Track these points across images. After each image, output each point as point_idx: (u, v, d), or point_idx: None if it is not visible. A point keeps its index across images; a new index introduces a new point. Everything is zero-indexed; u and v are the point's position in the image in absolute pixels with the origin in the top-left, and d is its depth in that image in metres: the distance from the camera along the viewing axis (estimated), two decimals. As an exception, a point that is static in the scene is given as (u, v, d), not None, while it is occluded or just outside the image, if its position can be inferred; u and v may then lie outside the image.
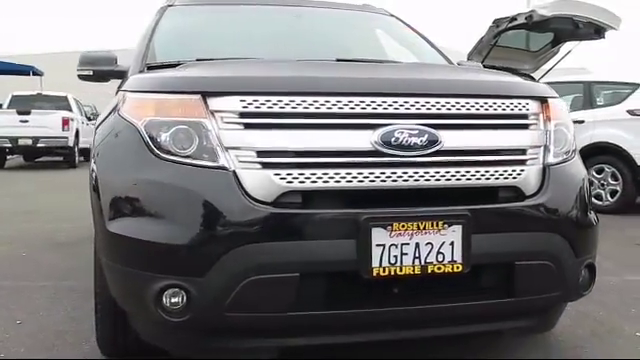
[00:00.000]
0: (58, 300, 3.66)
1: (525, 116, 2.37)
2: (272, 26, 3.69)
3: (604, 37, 7.03)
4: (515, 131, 2.34)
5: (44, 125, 14.30)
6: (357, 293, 2.13)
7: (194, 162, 2.13)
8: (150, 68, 3.08)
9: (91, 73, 3.36)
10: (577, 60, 7.90)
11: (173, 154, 2.16)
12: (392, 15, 4.10)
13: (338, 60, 3.07)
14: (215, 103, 2.15)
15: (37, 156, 16.22)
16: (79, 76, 3.47)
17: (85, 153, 16.93)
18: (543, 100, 2.44)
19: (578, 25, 6.60)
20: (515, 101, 2.35)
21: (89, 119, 17.96)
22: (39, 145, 14.51)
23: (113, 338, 2.56)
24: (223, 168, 2.10)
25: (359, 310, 2.13)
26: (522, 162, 2.31)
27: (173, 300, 2.09)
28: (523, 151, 2.32)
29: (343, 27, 3.87)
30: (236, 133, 2.12)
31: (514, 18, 6.64)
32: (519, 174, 2.28)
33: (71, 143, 14.85)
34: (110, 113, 2.63)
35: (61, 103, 15.59)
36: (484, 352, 2.81)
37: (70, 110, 15.45)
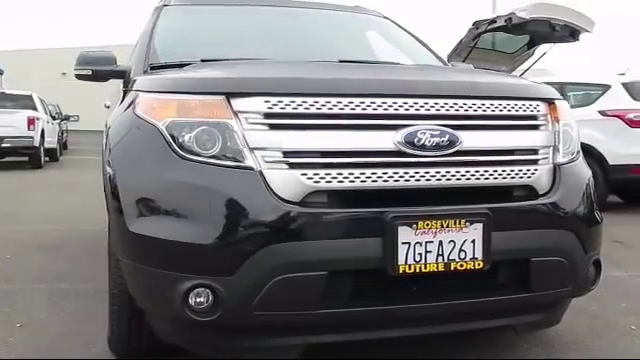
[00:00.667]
0: (55, 303, 3.61)
1: (536, 117, 2.45)
2: (270, 27, 3.71)
3: (578, 39, 7.25)
4: (527, 132, 2.42)
5: (9, 124, 13.90)
6: (382, 290, 2.18)
7: (220, 162, 2.15)
8: (153, 68, 3.09)
9: (90, 73, 3.33)
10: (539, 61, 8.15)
11: (196, 154, 2.18)
12: (386, 17, 4.16)
13: (341, 61, 3.13)
14: (239, 104, 2.17)
15: (1, 156, 15.84)
16: (77, 76, 3.44)
17: (50, 153, 16.64)
18: (550, 102, 2.52)
19: (555, 28, 6.79)
20: (527, 102, 2.43)
21: (54, 118, 17.64)
22: (4, 145, 14.09)
23: (128, 338, 2.55)
24: (250, 168, 2.12)
25: (384, 307, 2.17)
26: (535, 162, 2.38)
27: (199, 299, 2.10)
28: (535, 151, 2.40)
29: (340, 28, 3.91)
30: (261, 134, 2.15)
31: (493, 20, 6.80)
32: (533, 173, 2.35)
33: (37, 143, 14.49)
34: (123, 113, 2.62)
35: (26, 102, 15.21)
36: (485, 349, 2.87)
37: (35, 109, 15.10)
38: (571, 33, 7.03)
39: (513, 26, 6.63)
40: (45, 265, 4.62)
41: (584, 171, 2.57)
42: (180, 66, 3.04)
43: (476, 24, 7.02)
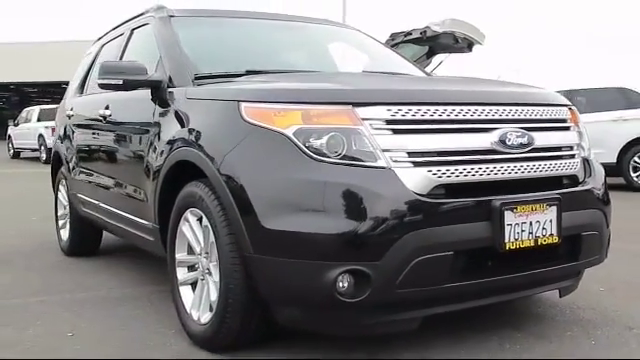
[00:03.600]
0: (77, 312, 3.60)
1: (566, 120, 3.02)
2: (279, 40, 4.03)
3: (472, 51, 8.18)
4: (566, 132, 2.98)
5: None
6: (489, 264, 2.63)
7: (355, 163, 2.47)
8: (198, 79, 3.29)
9: (121, 82, 3.42)
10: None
11: (327, 156, 2.47)
12: (358, 30, 4.60)
13: (364, 72, 3.53)
14: (364, 112, 2.51)
15: None
16: (102, 85, 3.51)
17: None
18: (570, 107, 3.12)
19: (457, 40, 7.64)
20: (560, 108, 3.00)
21: None
22: None
23: (237, 331, 2.73)
24: (384, 167, 2.46)
25: (490, 278, 2.62)
26: (573, 156, 2.96)
27: (342, 284, 2.41)
28: (572, 147, 2.97)
29: (332, 41, 4.29)
30: (386, 137, 2.50)
31: (409, 33, 7.50)
32: (575, 165, 2.93)
33: None
34: (216, 122, 2.81)
35: None
36: (504, 314, 3.41)
37: None
38: (468, 45, 7.94)
39: (427, 38, 7.40)
40: (17, 279, 4.50)
41: (598, 163, 3.19)
42: (227, 76, 3.28)
43: (393, 36, 7.70)
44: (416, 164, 2.50)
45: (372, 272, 2.39)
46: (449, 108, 2.60)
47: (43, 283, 4.38)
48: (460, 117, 2.61)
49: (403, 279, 2.41)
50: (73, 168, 4.93)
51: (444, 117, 2.59)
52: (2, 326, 3.39)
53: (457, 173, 2.54)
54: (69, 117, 5.12)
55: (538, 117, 2.83)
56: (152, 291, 4.04)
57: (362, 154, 2.48)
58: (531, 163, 2.73)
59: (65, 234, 5.35)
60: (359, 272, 2.40)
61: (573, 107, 3.15)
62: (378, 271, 2.39)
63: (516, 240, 2.59)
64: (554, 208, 2.69)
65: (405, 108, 2.54)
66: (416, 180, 2.47)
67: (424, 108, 2.56)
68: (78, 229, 5.09)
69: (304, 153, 2.49)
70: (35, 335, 3.25)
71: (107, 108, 4.12)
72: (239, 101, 2.73)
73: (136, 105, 3.68)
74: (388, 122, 2.52)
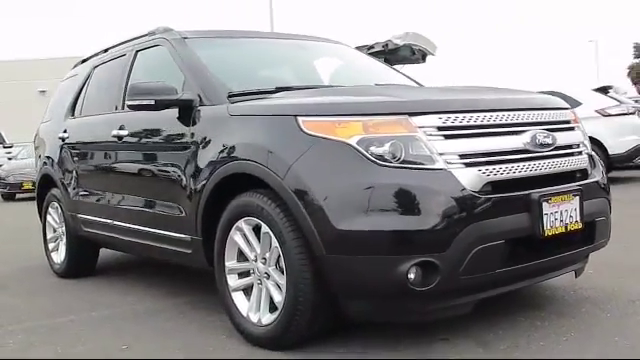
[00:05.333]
0: (115, 328, 3.70)
1: (571, 121, 3.43)
2: (290, 57, 4.26)
3: (425, 61, 8.66)
4: (573, 131, 3.38)
5: None
6: (529, 250, 2.97)
7: (417, 166, 2.76)
8: (231, 96, 3.50)
9: (153, 103, 3.58)
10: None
11: (390, 162, 2.76)
12: (355, 48, 4.92)
13: (376, 84, 3.85)
14: (419, 120, 2.82)
15: None
16: (132, 106, 3.65)
17: None
18: (571, 110, 3.54)
19: (414, 52, 8.10)
20: (566, 111, 3.41)
21: None
22: None
23: (306, 327, 2.95)
24: (441, 169, 2.77)
25: (529, 263, 2.96)
26: (581, 152, 3.36)
27: (411, 275, 2.69)
28: (579, 145, 3.38)
29: (338, 57, 4.58)
30: (440, 142, 2.81)
31: (372, 46, 7.88)
32: (585, 160, 3.33)
33: None
34: (277, 135, 3.02)
35: None
36: (522, 296, 3.78)
37: None
38: (422, 56, 8.42)
39: (389, 51, 7.82)
40: (28, 302, 4.53)
41: (598, 158, 3.62)
42: (259, 93, 3.51)
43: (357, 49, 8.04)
44: (467, 165, 2.81)
45: (440, 262, 2.68)
46: (488, 114, 2.94)
47: (56, 305, 4.42)
48: (498, 122, 2.96)
49: (465, 267, 2.72)
50: (73, 189, 4.96)
51: (485, 122, 2.92)
52: (49, 344, 3.47)
53: (501, 171, 2.87)
54: (63, 140, 5.14)
55: (555, 119, 3.22)
56: (175, 303, 4.16)
57: (421, 158, 2.77)
58: (555, 160, 3.10)
59: (59, 256, 5.34)
60: (428, 263, 2.68)
61: (573, 110, 3.57)
62: (445, 261, 2.69)
63: (551, 227, 2.94)
64: (577, 198, 3.07)
65: (453, 116, 2.86)
66: (469, 179, 2.79)
67: (468, 115, 2.89)
68: (76, 249, 5.12)
69: (368, 159, 2.76)
70: (88, 350, 3.35)
71: (122, 128, 4.21)
72: (296, 115, 2.96)
73: (162, 124, 3.81)
74: (440, 129, 2.83)
